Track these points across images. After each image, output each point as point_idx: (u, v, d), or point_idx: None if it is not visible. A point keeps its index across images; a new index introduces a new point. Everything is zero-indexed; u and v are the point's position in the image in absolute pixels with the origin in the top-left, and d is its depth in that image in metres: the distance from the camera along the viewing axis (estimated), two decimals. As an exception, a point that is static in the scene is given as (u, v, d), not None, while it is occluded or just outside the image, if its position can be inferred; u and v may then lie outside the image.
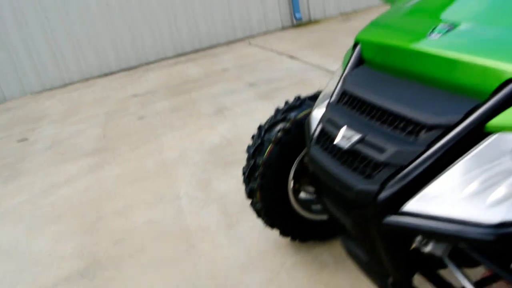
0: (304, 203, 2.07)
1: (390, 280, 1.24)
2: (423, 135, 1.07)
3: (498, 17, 1.16)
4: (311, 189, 2.00)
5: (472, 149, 0.97)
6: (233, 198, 2.68)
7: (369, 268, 1.33)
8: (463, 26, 1.17)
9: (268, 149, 1.86)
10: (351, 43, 1.63)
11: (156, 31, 7.53)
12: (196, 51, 7.74)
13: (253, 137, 2.00)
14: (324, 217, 2.09)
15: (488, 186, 0.92)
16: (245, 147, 2.02)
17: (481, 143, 0.96)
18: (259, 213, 2.05)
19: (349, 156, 1.23)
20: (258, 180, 1.89)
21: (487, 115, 0.97)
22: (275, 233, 2.29)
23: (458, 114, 1.02)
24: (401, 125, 1.13)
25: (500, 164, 0.92)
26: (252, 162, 1.91)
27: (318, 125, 1.45)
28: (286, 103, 1.98)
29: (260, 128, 1.97)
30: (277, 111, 1.96)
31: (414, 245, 1.15)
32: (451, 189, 0.98)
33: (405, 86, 1.24)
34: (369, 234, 1.17)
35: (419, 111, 1.10)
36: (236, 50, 7.22)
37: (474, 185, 0.94)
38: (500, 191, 0.91)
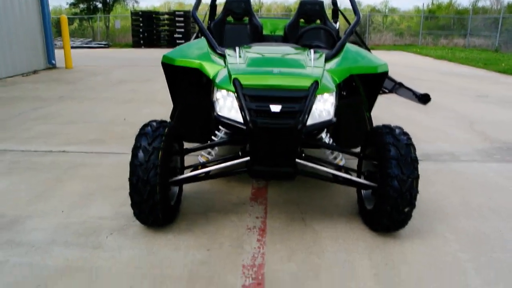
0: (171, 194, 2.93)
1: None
2: (300, 99, 2.59)
3: (287, 64, 2.91)
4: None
5: (318, 98, 2.69)
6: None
7: (280, 168, 2.68)
8: (282, 68, 2.76)
9: (160, 154, 2.63)
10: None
11: None
12: None
13: (136, 153, 2.61)
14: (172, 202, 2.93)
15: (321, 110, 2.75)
16: None
17: (318, 98, 2.67)
18: (153, 209, 2.64)
19: (280, 115, 2.56)
20: (158, 177, 2.58)
21: (315, 91, 2.61)
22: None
23: (306, 92, 2.61)
24: (290, 98, 2.60)
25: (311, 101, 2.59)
26: (150, 164, 2.56)
27: (245, 113, 2.55)
28: (147, 126, 2.76)
29: (139, 145, 2.64)
30: (148, 131, 2.70)
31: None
32: (318, 110, 2.71)
33: (278, 90, 2.63)
34: (289, 143, 2.59)
35: (294, 93, 2.62)
36: None
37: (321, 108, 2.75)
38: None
